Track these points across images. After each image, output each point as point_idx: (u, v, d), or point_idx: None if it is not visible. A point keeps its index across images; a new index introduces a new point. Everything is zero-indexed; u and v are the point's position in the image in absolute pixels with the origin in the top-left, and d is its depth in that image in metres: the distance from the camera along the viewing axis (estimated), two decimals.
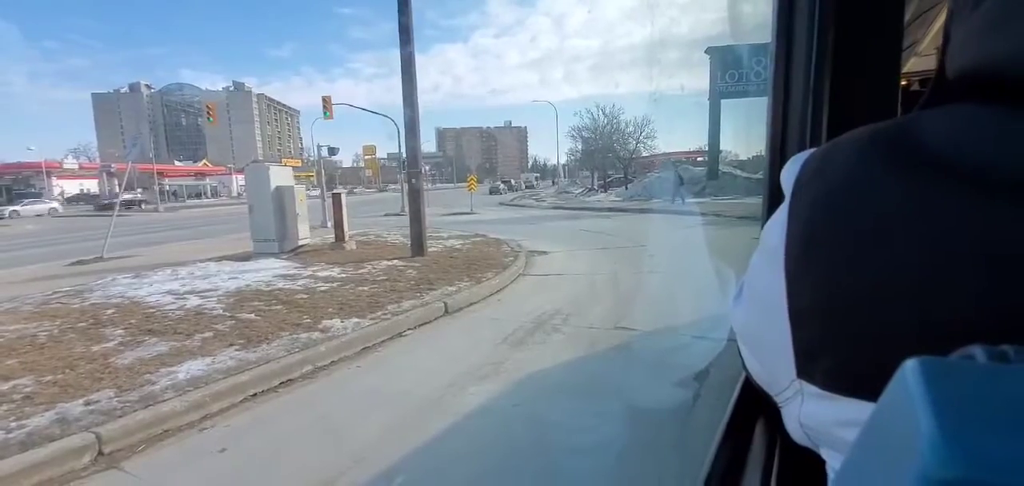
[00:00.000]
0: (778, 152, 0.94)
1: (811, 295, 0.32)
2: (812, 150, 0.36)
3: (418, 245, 8.31)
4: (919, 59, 3.32)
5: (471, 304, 5.73)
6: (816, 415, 0.34)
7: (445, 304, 5.45)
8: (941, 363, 0.16)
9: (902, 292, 0.27)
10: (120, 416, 3.02)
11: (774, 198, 0.87)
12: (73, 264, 9.11)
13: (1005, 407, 0.14)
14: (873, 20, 0.82)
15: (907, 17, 2.38)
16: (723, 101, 22.68)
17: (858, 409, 0.29)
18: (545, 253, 8.91)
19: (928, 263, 0.26)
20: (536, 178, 65.92)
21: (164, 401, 3.20)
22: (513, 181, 58.09)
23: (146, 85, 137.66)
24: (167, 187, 53.18)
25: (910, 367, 0.16)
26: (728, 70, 21.75)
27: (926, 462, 0.13)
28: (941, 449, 0.13)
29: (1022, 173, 0.25)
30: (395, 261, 7.90)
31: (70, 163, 58.60)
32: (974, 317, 0.25)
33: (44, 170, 49.13)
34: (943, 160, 0.27)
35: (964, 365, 0.17)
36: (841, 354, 0.31)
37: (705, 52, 23.05)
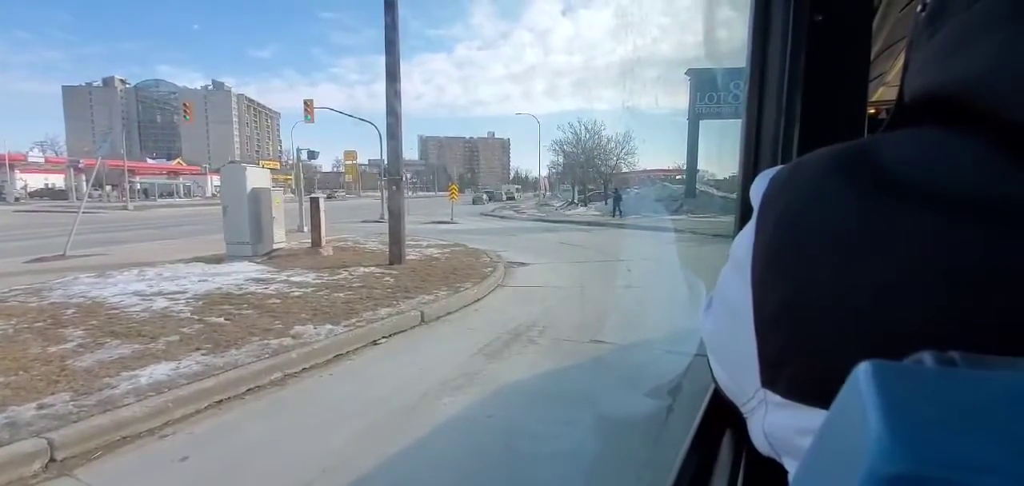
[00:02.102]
0: (751, 170, 0.97)
1: (775, 306, 0.33)
2: (780, 167, 0.38)
3: (397, 252, 8.23)
4: (887, 89, 3.46)
5: (448, 313, 5.69)
6: (779, 424, 0.35)
7: (422, 313, 5.40)
8: (892, 367, 0.17)
9: (859, 304, 0.28)
10: (75, 421, 2.88)
11: (745, 214, 0.89)
12: (32, 261, 8.74)
13: (950, 407, 0.15)
14: (842, 50, 0.86)
15: (876, 49, 2.48)
16: (702, 122, 23.23)
17: (818, 418, 0.29)
18: (524, 265, 8.92)
19: (883, 276, 0.27)
20: (517, 190, 66.10)
21: (124, 406, 3.08)
22: (494, 192, 58.24)
23: (121, 80, 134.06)
24: (138, 185, 51.62)
25: (862, 370, 0.17)
26: (707, 92, 22.33)
27: (874, 459, 0.14)
28: (888, 446, 0.14)
29: (969, 191, 0.26)
30: (372, 268, 7.80)
31: (36, 156, 56.50)
32: (926, 327, 0.26)
33: (7, 163, 47.18)
34: (898, 178, 0.29)
35: (913, 369, 0.17)
36: (803, 363, 0.31)
37: (685, 74, 23.65)
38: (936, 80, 0.31)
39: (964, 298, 0.25)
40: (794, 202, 0.33)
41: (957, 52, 0.29)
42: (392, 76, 8.06)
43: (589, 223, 19.88)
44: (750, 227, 0.37)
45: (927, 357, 0.17)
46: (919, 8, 0.36)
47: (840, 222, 0.30)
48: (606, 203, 28.12)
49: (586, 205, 29.85)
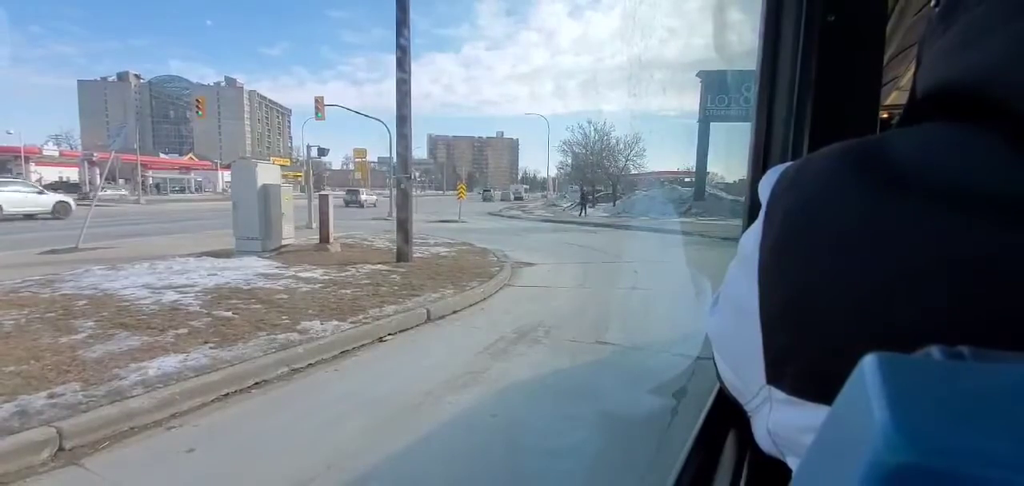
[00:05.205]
0: (760, 172, 0.96)
1: (781, 301, 0.33)
2: (789, 163, 0.37)
3: (404, 250, 8.26)
4: (900, 93, 3.41)
5: (454, 312, 5.70)
6: (784, 422, 0.35)
7: (428, 311, 5.41)
8: (898, 359, 0.16)
9: (865, 299, 0.28)
10: (84, 411, 2.92)
11: (753, 212, 0.88)
12: (46, 252, 8.87)
13: (956, 400, 0.15)
14: (855, 52, 0.84)
15: (890, 52, 2.45)
16: (712, 124, 23.10)
17: (823, 415, 0.29)
18: (531, 265, 8.92)
19: (889, 272, 0.27)
20: (525, 190, 66.33)
21: (132, 397, 3.11)
22: (502, 191, 58.71)
23: (135, 75, 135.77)
24: (150, 180, 52.23)
25: (868, 363, 0.16)
26: (717, 94, 22.20)
27: (877, 449, 0.14)
28: (892, 436, 0.14)
29: (977, 186, 0.26)
30: (379, 265, 7.83)
31: (50, 149, 57.25)
32: (932, 323, 0.25)
33: (22, 155, 47.88)
34: (907, 174, 0.28)
35: (920, 362, 0.17)
36: (808, 359, 0.31)
37: (696, 75, 23.53)
38: (948, 75, 0.31)
39: (972, 293, 0.24)
40: (801, 197, 0.33)
41: (970, 46, 0.29)
42: (401, 65, 8.07)
43: (596, 224, 19.85)
44: (758, 223, 0.37)
45: (935, 351, 0.17)
46: (933, 3, 0.35)
47: (847, 218, 0.29)
48: (614, 205, 27.99)
49: (594, 206, 29.71)
